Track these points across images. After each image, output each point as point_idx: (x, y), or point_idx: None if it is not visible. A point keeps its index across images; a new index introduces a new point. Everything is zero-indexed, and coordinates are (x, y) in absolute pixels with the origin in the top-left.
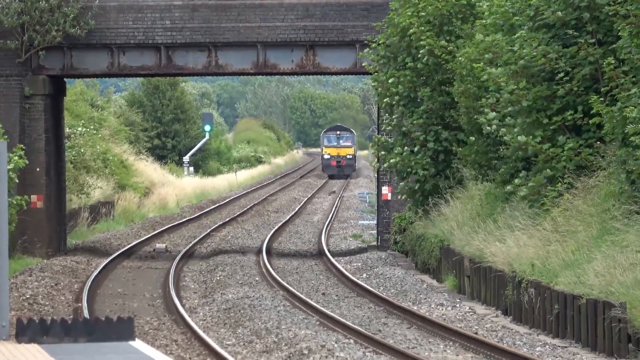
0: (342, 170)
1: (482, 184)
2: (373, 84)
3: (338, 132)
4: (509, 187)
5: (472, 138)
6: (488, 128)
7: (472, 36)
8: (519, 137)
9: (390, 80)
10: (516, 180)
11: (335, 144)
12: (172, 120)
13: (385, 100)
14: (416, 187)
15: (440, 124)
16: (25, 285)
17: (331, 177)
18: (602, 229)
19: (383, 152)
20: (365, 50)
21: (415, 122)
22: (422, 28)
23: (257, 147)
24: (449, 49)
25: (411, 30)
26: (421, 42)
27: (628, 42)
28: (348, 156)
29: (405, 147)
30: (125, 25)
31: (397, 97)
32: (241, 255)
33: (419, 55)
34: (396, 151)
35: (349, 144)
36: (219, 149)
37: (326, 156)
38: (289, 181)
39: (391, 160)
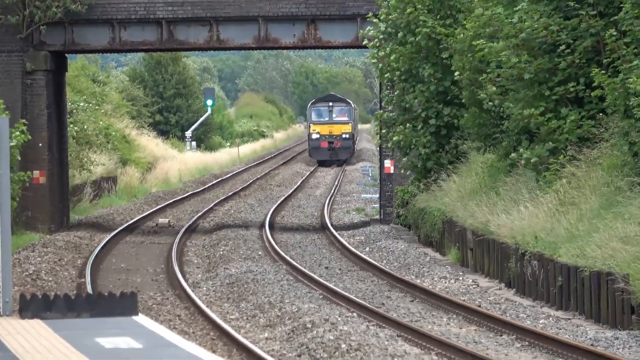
0: (335, 153)
1: (484, 156)
2: (373, 61)
3: (330, 104)
4: (512, 155)
5: (474, 109)
6: (490, 103)
7: (473, 10)
8: (524, 111)
9: (392, 57)
10: (521, 149)
11: (326, 118)
12: (174, 95)
13: (386, 75)
14: (418, 164)
15: (441, 101)
16: (28, 260)
17: (321, 163)
18: (605, 201)
19: (385, 129)
20: (367, 29)
21: (417, 98)
22: (420, 7)
23: (260, 122)
24: (447, 31)
25: (408, 10)
26: (420, 21)
27: (630, 13)
28: (344, 135)
29: (407, 124)
30: (126, 0)
31: (397, 73)
32: (244, 229)
33: (419, 35)
34: (398, 129)
35: (345, 118)
36: (221, 123)
37: (314, 136)
38: (291, 155)
39: (394, 138)
